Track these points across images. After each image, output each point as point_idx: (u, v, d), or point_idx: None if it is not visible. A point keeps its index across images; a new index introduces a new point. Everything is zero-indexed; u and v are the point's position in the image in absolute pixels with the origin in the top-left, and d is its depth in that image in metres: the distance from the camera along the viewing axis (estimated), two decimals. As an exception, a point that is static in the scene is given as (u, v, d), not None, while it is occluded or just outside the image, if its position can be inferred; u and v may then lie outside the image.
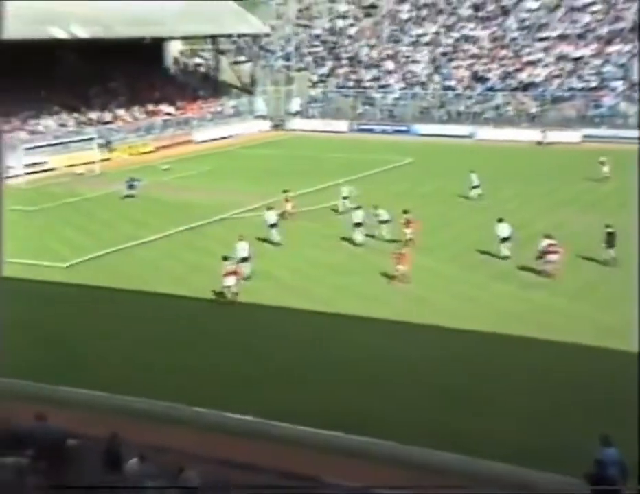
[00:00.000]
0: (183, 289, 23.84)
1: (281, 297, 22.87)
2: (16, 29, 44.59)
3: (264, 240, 28.60)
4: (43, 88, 51.73)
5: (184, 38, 67.28)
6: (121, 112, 55.10)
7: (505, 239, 25.47)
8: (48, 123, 49.95)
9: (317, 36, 70.44)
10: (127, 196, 35.80)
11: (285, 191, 31.48)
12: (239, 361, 18.76)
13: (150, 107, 57.39)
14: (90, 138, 46.43)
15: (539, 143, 50.55)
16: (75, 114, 52.06)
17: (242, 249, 23.92)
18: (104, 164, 45.38)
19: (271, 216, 28.68)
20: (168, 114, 57.73)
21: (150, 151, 51.63)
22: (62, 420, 12.64)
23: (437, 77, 61.83)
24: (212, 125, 59.25)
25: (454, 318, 20.81)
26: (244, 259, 23.84)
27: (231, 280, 22.23)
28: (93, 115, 52.94)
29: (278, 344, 19.88)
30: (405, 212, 27.55)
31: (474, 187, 34.19)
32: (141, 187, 36.11)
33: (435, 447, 13.95)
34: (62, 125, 50.22)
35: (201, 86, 64.55)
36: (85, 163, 44.76)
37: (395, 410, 16.10)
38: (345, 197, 32.70)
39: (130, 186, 36.40)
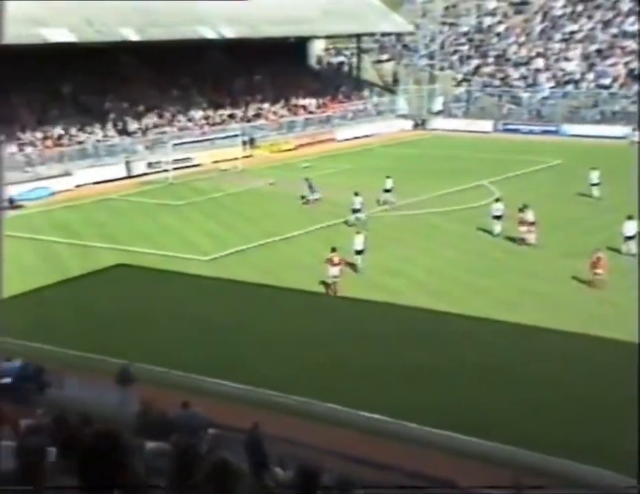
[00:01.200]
0: (316, 285, 24.19)
1: (418, 296, 22.76)
2: (167, 30, 47.56)
3: (399, 239, 28.60)
4: (192, 85, 54.04)
5: (327, 37, 68.30)
6: (264, 109, 56.54)
7: (629, 238, 25.73)
8: (195, 118, 52.04)
9: (463, 34, 69.56)
10: (303, 197, 35.93)
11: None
12: (373, 358, 18.94)
13: (293, 105, 58.58)
14: (235, 135, 47.87)
15: None
16: (221, 111, 53.91)
17: (358, 242, 25.56)
18: (247, 161, 46.72)
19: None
20: (310, 112, 58.72)
21: (291, 149, 52.63)
22: (204, 410, 13.09)
23: (590, 75, 59.39)
24: (353, 124, 59.68)
25: (598, 323, 19.93)
26: (359, 252, 25.45)
27: (335, 271, 23.69)
28: (238, 112, 54.65)
29: (413, 344, 19.74)
30: (521, 210, 28.03)
31: (594, 185, 34.35)
32: (318, 190, 36.01)
33: (575, 457, 13.40)
34: (208, 122, 52.08)
35: (343, 84, 65.25)
36: (229, 160, 46.30)
37: (527, 417, 15.51)
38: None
39: (310, 187, 36.24)
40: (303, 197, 35.94)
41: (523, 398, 16.55)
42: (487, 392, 16.88)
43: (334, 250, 24.17)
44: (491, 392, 16.91)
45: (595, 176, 34.38)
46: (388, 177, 35.23)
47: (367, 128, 59.19)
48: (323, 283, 24.26)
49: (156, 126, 49.24)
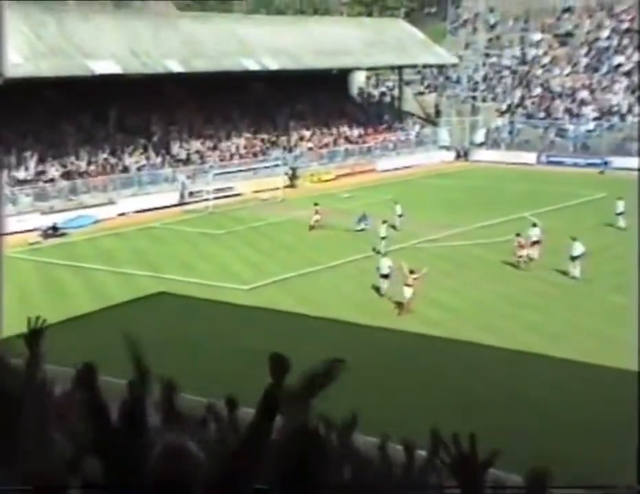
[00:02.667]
0: (365, 316, 24.20)
1: (461, 329, 22.64)
2: (211, 61, 48.61)
3: (441, 270, 28.56)
4: (235, 114, 54.96)
5: (370, 69, 68.94)
6: (305, 139, 57.13)
7: (574, 258, 27.48)
8: (237, 148, 52.77)
9: (507, 67, 69.72)
10: (358, 231, 36.35)
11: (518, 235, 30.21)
12: (424, 391, 18.94)
13: (334, 135, 59.13)
14: (276, 165, 48.45)
15: None
16: (262, 141, 54.66)
17: (384, 266, 26.26)
18: (287, 191, 47.24)
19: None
20: (351, 142, 59.13)
21: (332, 179, 53.15)
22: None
23: (636, 108, 59.01)
24: (395, 155, 60.00)
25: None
26: (384, 276, 25.97)
27: (408, 292, 24.59)
28: (279, 142, 55.31)
29: (463, 376, 19.62)
30: (518, 235, 29.74)
31: (619, 214, 35.14)
32: (370, 223, 36.46)
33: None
34: (250, 151, 52.74)
35: (385, 115, 65.68)
36: (270, 189, 46.90)
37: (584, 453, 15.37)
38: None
39: (360, 220, 36.78)
40: (359, 228, 36.42)
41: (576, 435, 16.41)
42: (537, 424, 16.80)
43: (412, 272, 24.79)
44: (544, 425, 16.80)
45: (620, 206, 35.10)
46: (396, 203, 36.34)
47: (408, 159, 59.40)
48: (397, 303, 24.88)
49: (198, 154, 50.14)
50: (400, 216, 36.32)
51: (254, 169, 49.79)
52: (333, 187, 49.98)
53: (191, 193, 45.76)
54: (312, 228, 37.09)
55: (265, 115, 56.50)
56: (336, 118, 60.84)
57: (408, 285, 24.48)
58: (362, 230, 36.42)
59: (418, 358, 21.03)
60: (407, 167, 57.55)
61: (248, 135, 54.30)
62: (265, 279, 28.87)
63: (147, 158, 47.76)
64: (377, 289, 26.72)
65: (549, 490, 5.27)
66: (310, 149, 56.34)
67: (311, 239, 35.50)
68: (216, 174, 45.98)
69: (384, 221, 32.85)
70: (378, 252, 29.50)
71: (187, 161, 49.06)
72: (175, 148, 49.67)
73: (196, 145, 50.86)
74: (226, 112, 54.23)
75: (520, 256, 29.29)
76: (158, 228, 38.83)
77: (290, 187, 49.76)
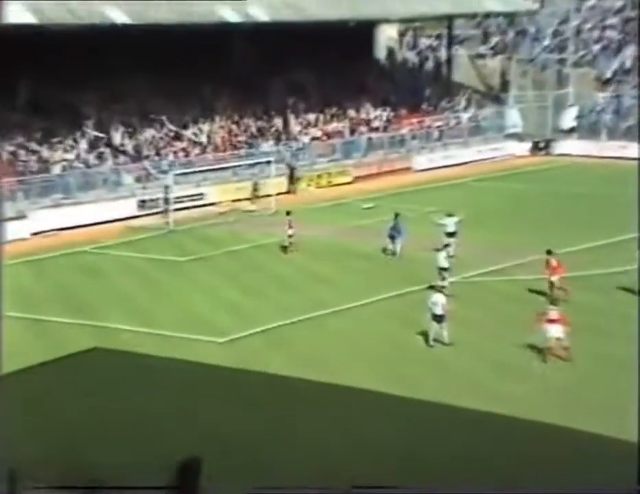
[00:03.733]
0: (388, 382, 24.22)
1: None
2: (173, 10, 48.58)
3: (512, 316, 28.55)
4: (205, 88, 55.27)
5: (403, 21, 69.24)
6: (309, 125, 57.55)
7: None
8: (208, 135, 53.04)
9: (614, 13, 69.21)
10: (388, 252, 36.96)
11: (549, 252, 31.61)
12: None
13: (351, 119, 59.39)
14: (267, 162, 48.49)
15: None
16: (245, 128, 54.96)
17: (439, 304, 26.96)
18: (283, 198, 47.10)
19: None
20: (376, 129, 59.39)
21: (348, 183, 53.26)
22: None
23: None
24: (439, 147, 60.37)
25: None
26: (438, 317, 26.84)
27: (557, 331, 25.44)
28: (271, 129, 55.63)
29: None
30: (549, 252, 31.01)
31: None
32: (403, 236, 36.86)
33: None
34: (228, 141, 53.03)
35: (426, 89, 66.13)
36: (258, 197, 46.59)
37: None
38: None
39: (392, 237, 37.05)
40: (385, 249, 36.97)
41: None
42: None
43: (554, 303, 25.92)
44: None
45: None
46: (450, 215, 36.90)
47: (459, 154, 59.80)
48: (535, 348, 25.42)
49: (153, 146, 50.34)
50: (452, 236, 36.40)
51: (234, 167, 49.97)
52: (349, 194, 49.71)
53: (142, 203, 46.07)
54: (285, 249, 37.80)
55: (251, 90, 56.61)
56: (354, 94, 61.00)
57: (551, 321, 25.38)
58: (392, 253, 36.67)
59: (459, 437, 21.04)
60: (458, 165, 57.67)
61: (224, 118, 54.55)
62: (248, 327, 28.72)
63: (77, 152, 47.95)
64: (422, 337, 27.05)
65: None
66: (316, 139, 56.51)
67: (315, 270, 35.52)
68: (179, 175, 46.07)
69: (446, 246, 32.98)
70: (440, 290, 29.12)
71: (136, 156, 49.32)
72: (117, 136, 49.89)
73: (149, 132, 51.14)
74: (195, 85, 54.34)
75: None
76: (93, 254, 38.77)
77: (287, 193, 49.64)
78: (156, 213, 45.07)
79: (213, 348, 27.33)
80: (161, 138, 51.39)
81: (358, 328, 28.93)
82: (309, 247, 38.36)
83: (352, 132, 58.41)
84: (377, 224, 40.38)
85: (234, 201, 47.23)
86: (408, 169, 57.03)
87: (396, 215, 37.34)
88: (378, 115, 60.61)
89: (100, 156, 48.44)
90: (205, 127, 53.46)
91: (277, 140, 54.87)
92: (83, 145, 48.52)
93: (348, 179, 53.93)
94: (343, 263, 36.35)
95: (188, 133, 52.62)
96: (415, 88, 65.73)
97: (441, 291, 28.06)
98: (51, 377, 25.25)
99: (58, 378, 25.23)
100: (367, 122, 59.81)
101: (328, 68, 59.88)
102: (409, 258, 36.03)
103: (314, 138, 56.51)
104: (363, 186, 51.73)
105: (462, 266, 34.03)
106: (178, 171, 46.58)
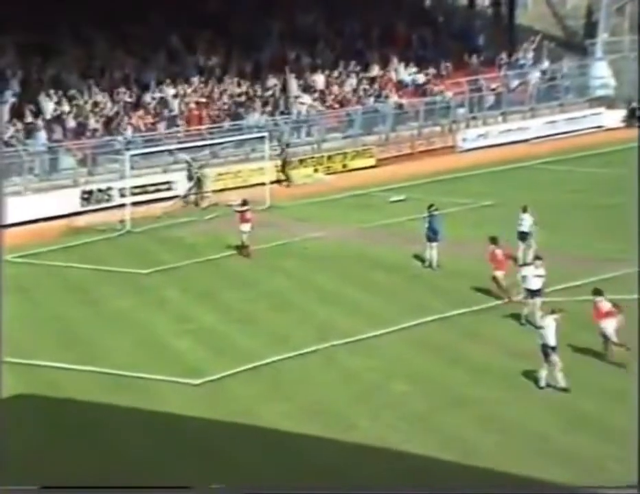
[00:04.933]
0: (432, 443, 24.07)
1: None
2: None
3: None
4: (177, 30, 55.17)
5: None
6: (315, 84, 57.53)
7: None
8: (179, 101, 52.76)
9: None
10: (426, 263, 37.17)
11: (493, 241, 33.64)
12: None
13: (373, 78, 59.37)
14: (259, 137, 48.62)
15: None
16: (230, 87, 54.78)
17: (550, 330, 27.10)
18: (281, 189, 47.71)
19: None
20: (407, 93, 59.31)
21: (369, 167, 53.53)
22: None
23: None
24: (495, 117, 60.63)
25: None
26: (550, 349, 26.92)
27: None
28: (265, 93, 55.41)
29: None
30: (493, 241, 33.82)
31: None
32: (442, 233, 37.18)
33: None
34: (204, 109, 52.77)
35: (478, 36, 66.25)
36: (245, 186, 46.64)
37: None
38: None
39: (429, 240, 37.16)
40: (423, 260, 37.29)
41: None
42: None
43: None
44: None
45: None
46: (524, 210, 37.59)
47: (524, 126, 59.95)
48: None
49: (99, 117, 50.11)
50: (525, 238, 36.57)
51: (213, 144, 50.16)
52: (371, 182, 49.98)
53: (87, 194, 46.13)
54: (242, 249, 38.96)
55: (237, 38, 56.98)
56: (378, 45, 61.18)
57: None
58: (429, 265, 36.82)
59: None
60: (521, 142, 58.01)
61: (198, 74, 54.55)
62: (232, 365, 28.70)
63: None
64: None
65: None
66: (326, 107, 56.56)
67: (322, 286, 35.62)
68: (138, 156, 46.52)
69: (538, 259, 32.20)
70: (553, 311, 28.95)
71: (79, 130, 49.22)
72: (51, 103, 49.67)
73: (97, 97, 51.00)
74: (159, 31, 54.62)
75: None
76: (17, 264, 38.37)
77: (285, 181, 50.04)
78: (107, 208, 45.10)
79: (185, 393, 27.35)
80: (115, 104, 51.22)
81: (383, 367, 28.87)
82: (315, 254, 38.60)
83: (376, 97, 58.29)
84: (408, 223, 40.55)
85: (214, 192, 47.41)
86: (451, 148, 57.18)
87: (430, 209, 37.39)
88: (410, 74, 60.60)
89: (28, 130, 48.12)
90: (173, 90, 53.33)
91: (273, 108, 54.84)
92: (2, 113, 47.99)
93: (370, 162, 54.06)
94: (360, 275, 36.45)
95: (150, 98, 52.55)
96: (464, 35, 65.74)
97: (554, 312, 27.84)
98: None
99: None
100: (397, 84, 59.74)
101: (343, 9, 60.09)
102: (451, 269, 35.82)
103: (322, 107, 56.42)
104: (390, 172, 51.83)
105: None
106: (138, 151, 46.76)
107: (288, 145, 51.75)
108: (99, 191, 46.17)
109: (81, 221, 44.26)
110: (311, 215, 42.93)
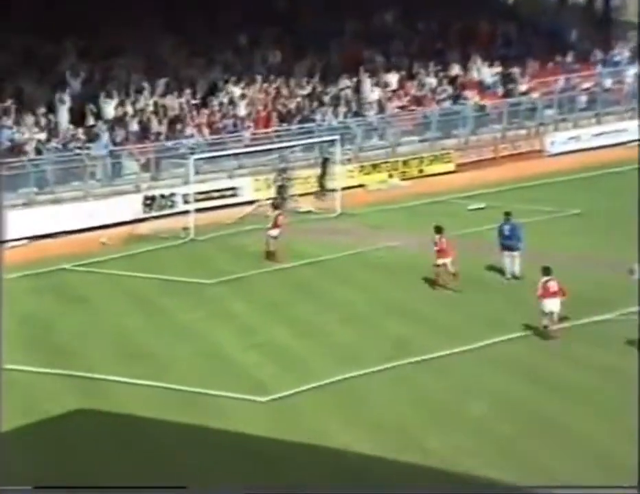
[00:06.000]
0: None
1: None
2: None
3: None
4: (245, 29, 55.62)
5: None
6: (390, 86, 57.48)
7: None
8: (248, 101, 52.99)
9: None
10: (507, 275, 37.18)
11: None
12: None
13: (453, 78, 59.32)
14: (330, 141, 48.76)
15: None
16: (296, 88, 55.11)
17: None
18: (352, 194, 47.79)
19: None
20: (490, 94, 59.15)
21: (448, 172, 53.56)
22: None
23: None
24: (589, 119, 60.41)
25: None
26: None
27: None
28: (335, 90, 55.74)
29: None
30: (438, 230, 36.82)
31: None
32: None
33: None
34: (271, 108, 52.94)
35: (571, 32, 65.91)
36: (316, 192, 47.30)
37: None
38: None
39: (509, 249, 37.28)
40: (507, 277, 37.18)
41: None
42: None
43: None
44: None
45: None
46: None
47: (620, 129, 59.43)
48: None
49: (164, 118, 50.52)
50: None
51: (279, 148, 49.83)
52: (449, 188, 50.00)
53: (150, 200, 46.49)
54: (270, 255, 39.73)
55: (308, 37, 57.28)
56: (459, 42, 61.25)
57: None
58: (511, 277, 36.81)
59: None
60: (616, 146, 57.56)
61: (271, 81, 54.74)
62: (300, 382, 28.76)
63: (51, 128, 48.13)
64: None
65: None
66: (401, 108, 56.48)
67: (396, 299, 35.60)
68: (203, 160, 46.73)
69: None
70: None
71: (141, 133, 49.62)
72: (112, 104, 49.96)
73: (158, 98, 51.34)
74: (226, 31, 54.93)
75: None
76: (78, 273, 39.12)
77: (359, 187, 50.11)
78: (171, 215, 45.42)
79: (251, 411, 27.37)
80: (179, 106, 51.61)
81: (459, 387, 28.77)
82: (388, 264, 38.67)
83: (455, 98, 58.32)
84: (489, 232, 40.28)
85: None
86: (538, 152, 57.01)
87: (507, 216, 37.52)
88: (494, 73, 60.57)
89: (88, 133, 48.44)
90: (240, 91, 53.59)
91: (347, 110, 54.94)
92: (62, 116, 48.78)
93: (448, 167, 54.03)
94: (437, 288, 36.47)
95: (216, 99, 52.79)
96: (553, 31, 65.51)
97: None
98: (20, 449, 25.19)
99: (31, 448, 25.24)
100: (478, 84, 59.73)
101: (420, 5, 60.34)
102: (533, 282, 34.67)
103: (398, 107, 56.48)
104: (470, 178, 51.81)
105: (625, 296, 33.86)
106: (202, 156, 46.85)
107: (327, 160, 50.60)
108: (162, 197, 46.56)
109: (143, 228, 44.60)
110: (385, 222, 42.93)
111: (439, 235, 36.47)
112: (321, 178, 50.19)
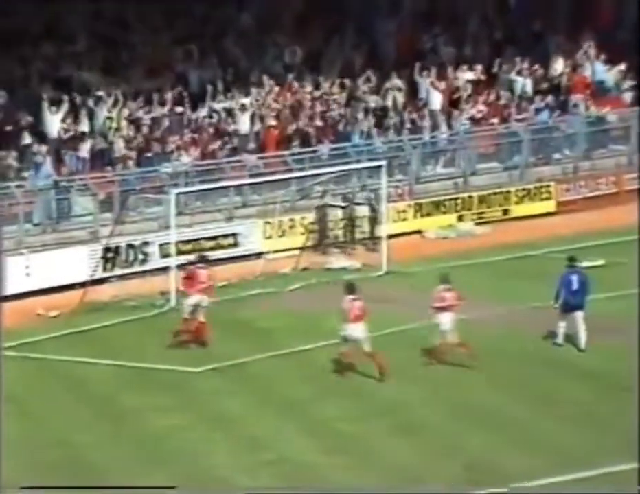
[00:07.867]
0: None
1: None
2: None
3: None
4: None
5: None
6: (470, 100, 57.61)
7: None
8: (255, 111, 53.81)
9: None
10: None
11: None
12: None
13: (550, 80, 60.08)
14: (375, 167, 49.00)
15: None
16: (327, 97, 55.68)
17: None
18: (406, 245, 48.33)
19: None
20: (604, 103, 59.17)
21: (547, 214, 53.95)
22: None
23: None
24: None
25: None
26: None
27: None
28: (384, 106, 56.04)
29: None
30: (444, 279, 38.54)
31: None
32: None
33: None
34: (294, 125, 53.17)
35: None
36: (347, 242, 47.57)
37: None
38: None
39: (571, 309, 37.82)
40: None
41: None
42: None
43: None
44: None
45: None
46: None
47: None
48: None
49: (136, 135, 50.84)
50: None
51: (303, 179, 50.54)
52: (548, 235, 50.54)
53: (111, 254, 46.35)
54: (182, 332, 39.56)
55: (341, 30, 58.22)
56: (562, 25, 61.70)
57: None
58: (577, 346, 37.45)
59: None
60: None
61: (287, 84, 55.54)
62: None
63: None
64: None
65: None
66: (475, 121, 56.90)
67: (468, 398, 35.42)
68: (189, 194, 47.98)
69: None
70: None
71: (102, 159, 49.85)
72: (56, 117, 50.08)
73: (125, 107, 51.52)
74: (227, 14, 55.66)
75: None
76: (7, 359, 37.96)
77: (417, 234, 50.84)
78: (142, 274, 45.82)
79: None
80: (154, 120, 51.95)
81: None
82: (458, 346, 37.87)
83: (559, 107, 58.47)
84: (608, 302, 40.61)
85: (301, 249, 47.69)
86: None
87: (572, 263, 38.17)
88: (618, 70, 61.33)
89: (22, 158, 48.95)
90: (243, 99, 54.35)
91: (398, 128, 55.12)
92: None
93: (547, 206, 54.86)
94: (534, 384, 36.28)
95: (208, 111, 53.56)
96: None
97: None
98: None
99: None
100: (592, 85, 60.19)
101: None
102: None
103: (471, 120, 56.95)
104: (579, 221, 52.31)
105: None
106: (189, 189, 47.93)
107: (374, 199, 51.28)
108: (131, 247, 46.73)
109: (102, 292, 44.65)
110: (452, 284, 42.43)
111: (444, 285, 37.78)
112: (359, 221, 50.61)
